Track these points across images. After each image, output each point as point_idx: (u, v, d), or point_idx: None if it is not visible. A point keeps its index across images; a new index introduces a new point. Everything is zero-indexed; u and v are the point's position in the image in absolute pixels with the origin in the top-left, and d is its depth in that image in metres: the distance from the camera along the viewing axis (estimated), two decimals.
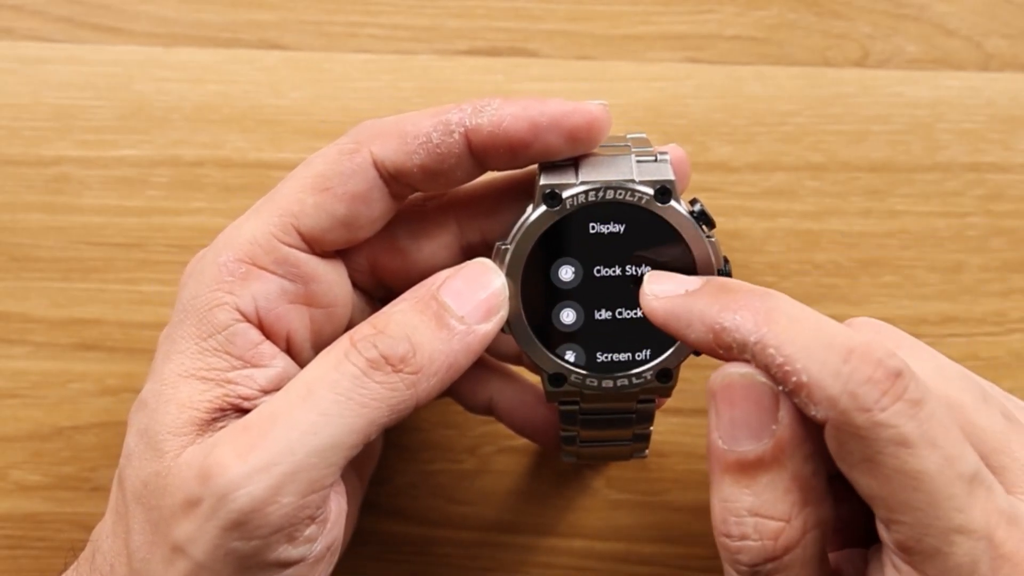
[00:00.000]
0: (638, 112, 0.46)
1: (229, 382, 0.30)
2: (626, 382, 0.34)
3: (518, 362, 0.40)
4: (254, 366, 0.31)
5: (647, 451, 0.37)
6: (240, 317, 0.31)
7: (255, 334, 0.31)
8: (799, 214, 0.46)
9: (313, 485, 0.28)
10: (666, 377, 0.34)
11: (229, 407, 0.30)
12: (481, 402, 0.39)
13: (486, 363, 0.40)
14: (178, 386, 0.30)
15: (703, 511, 0.45)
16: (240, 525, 0.28)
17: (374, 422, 0.29)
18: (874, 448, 0.26)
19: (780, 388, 0.28)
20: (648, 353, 0.34)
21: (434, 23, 0.47)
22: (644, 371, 0.34)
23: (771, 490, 0.28)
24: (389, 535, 0.45)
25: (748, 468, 0.28)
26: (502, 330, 0.33)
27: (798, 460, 0.28)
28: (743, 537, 0.28)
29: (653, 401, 0.35)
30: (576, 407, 0.35)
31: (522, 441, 0.44)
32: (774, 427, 0.28)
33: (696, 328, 0.29)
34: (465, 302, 0.31)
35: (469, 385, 0.39)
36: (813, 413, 0.27)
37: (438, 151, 0.31)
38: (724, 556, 0.29)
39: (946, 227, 0.45)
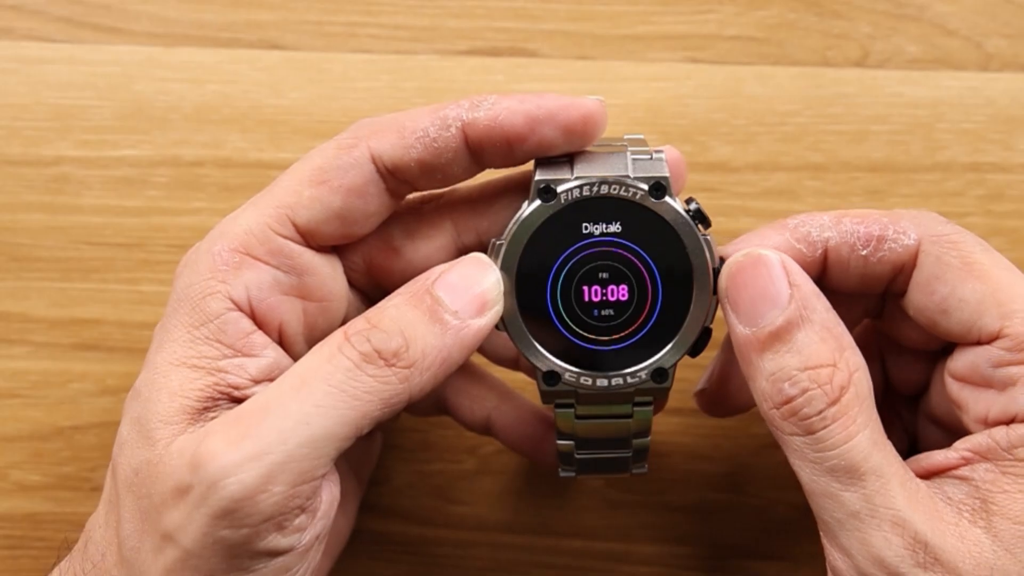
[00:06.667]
0: (638, 112, 0.46)
1: (220, 371, 0.30)
2: (620, 381, 0.33)
3: (515, 366, 0.40)
4: (245, 355, 0.31)
5: (646, 466, 0.36)
6: (232, 306, 0.31)
7: (247, 323, 0.31)
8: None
9: (304, 475, 0.29)
10: (661, 377, 0.33)
11: (220, 396, 0.30)
12: (479, 420, 0.39)
13: (484, 381, 0.40)
14: (169, 375, 0.30)
15: (703, 511, 0.45)
16: (229, 513, 0.28)
17: (367, 415, 0.29)
18: (966, 249, 0.31)
19: (868, 246, 0.32)
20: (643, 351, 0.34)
21: (434, 23, 0.47)
22: (639, 370, 0.33)
23: (809, 343, 0.30)
24: (388, 535, 0.45)
25: (782, 333, 0.30)
26: (496, 327, 0.32)
27: (822, 311, 0.31)
28: (804, 391, 0.30)
29: (650, 405, 0.35)
30: (572, 411, 0.34)
31: None
32: (791, 291, 0.30)
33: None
34: (459, 296, 0.31)
35: (467, 403, 0.39)
36: (905, 242, 0.32)
37: (435, 146, 0.31)
38: (785, 429, 0.30)
39: None
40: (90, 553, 0.31)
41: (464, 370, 0.40)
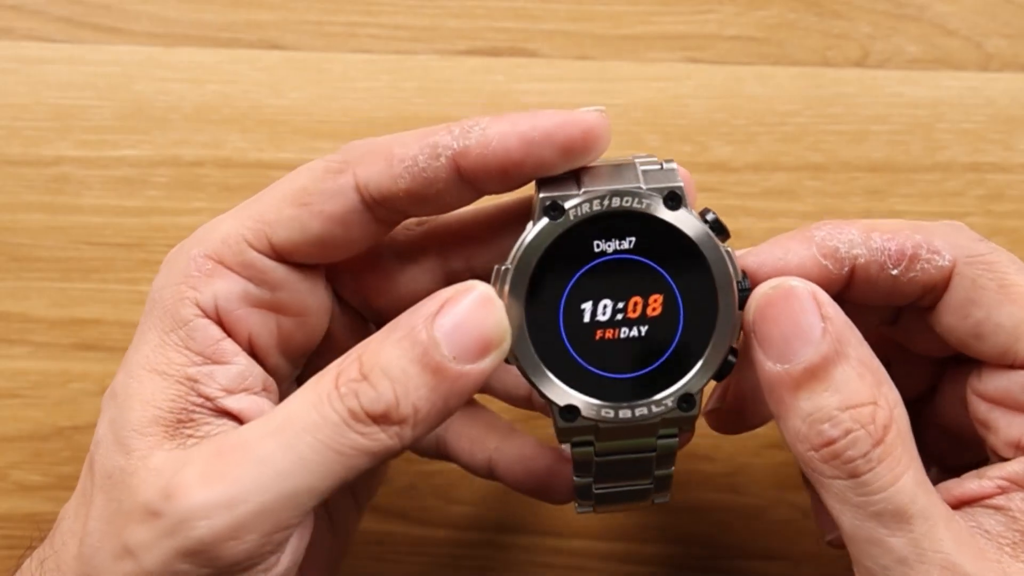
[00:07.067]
0: (638, 112, 0.46)
1: (190, 379, 0.30)
2: (645, 411, 0.30)
3: (528, 404, 0.38)
4: (215, 362, 0.30)
5: (669, 495, 0.34)
6: (200, 313, 0.30)
7: (215, 330, 0.31)
8: (799, 214, 0.46)
9: (279, 525, 0.28)
10: (688, 403, 0.31)
11: (195, 408, 0.30)
12: (481, 463, 0.37)
13: (483, 420, 0.38)
14: (142, 380, 0.30)
15: (703, 511, 0.45)
16: (196, 553, 0.27)
17: (353, 468, 0.28)
18: (1002, 270, 0.30)
19: (899, 265, 0.30)
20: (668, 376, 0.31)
21: (434, 23, 0.47)
22: (664, 397, 0.30)
23: (848, 380, 0.28)
24: (389, 535, 0.45)
25: (818, 372, 0.28)
26: (506, 360, 0.30)
27: (856, 344, 0.29)
28: (847, 432, 0.28)
29: (675, 437, 0.32)
30: (591, 448, 0.31)
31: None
32: (824, 324, 0.28)
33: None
34: (458, 339, 0.28)
35: (467, 446, 0.37)
36: (938, 263, 0.30)
37: (424, 175, 0.29)
38: (826, 472, 0.28)
39: None
40: (55, 541, 0.31)
41: (463, 411, 0.38)
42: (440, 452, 0.38)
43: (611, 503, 0.33)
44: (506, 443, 0.37)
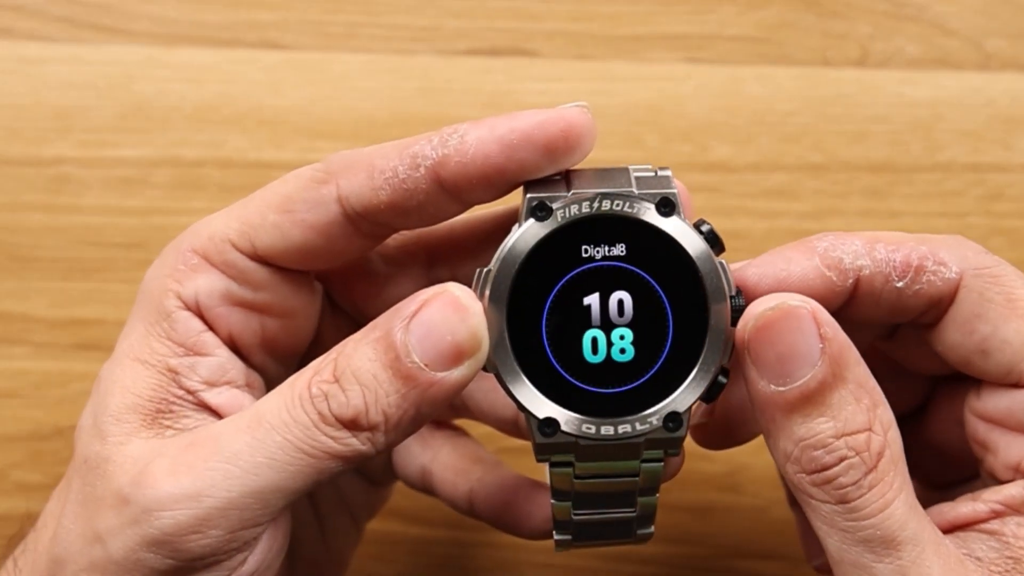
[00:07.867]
0: (638, 112, 0.46)
1: (171, 370, 0.30)
2: (628, 428, 0.29)
3: (515, 430, 0.37)
4: (197, 354, 0.30)
5: (653, 528, 0.32)
6: (182, 305, 0.30)
7: (197, 323, 0.31)
8: (799, 214, 0.46)
9: (245, 523, 0.28)
10: (675, 423, 0.29)
11: (175, 399, 0.30)
12: (463, 495, 0.36)
13: (471, 455, 0.37)
14: (125, 368, 0.30)
15: (703, 511, 0.45)
16: (160, 544, 0.27)
17: (325, 471, 0.28)
18: (1008, 284, 0.29)
19: (905, 277, 0.29)
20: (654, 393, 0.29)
21: (434, 23, 0.47)
22: (650, 415, 0.29)
23: (844, 405, 0.27)
24: (389, 535, 0.45)
25: (814, 397, 0.27)
26: (484, 368, 0.28)
27: (854, 364, 0.28)
28: (841, 459, 0.27)
29: (660, 461, 0.30)
30: (570, 470, 0.30)
31: (522, 441, 0.44)
32: (822, 345, 0.27)
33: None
34: (430, 345, 0.27)
35: (451, 477, 0.36)
36: (945, 275, 0.29)
37: (404, 187, 0.29)
38: (816, 495, 0.28)
39: (946, 227, 0.45)
40: (37, 522, 0.31)
41: (452, 442, 0.38)
42: (426, 484, 0.37)
43: (591, 535, 0.32)
44: (489, 475, 0.36)
